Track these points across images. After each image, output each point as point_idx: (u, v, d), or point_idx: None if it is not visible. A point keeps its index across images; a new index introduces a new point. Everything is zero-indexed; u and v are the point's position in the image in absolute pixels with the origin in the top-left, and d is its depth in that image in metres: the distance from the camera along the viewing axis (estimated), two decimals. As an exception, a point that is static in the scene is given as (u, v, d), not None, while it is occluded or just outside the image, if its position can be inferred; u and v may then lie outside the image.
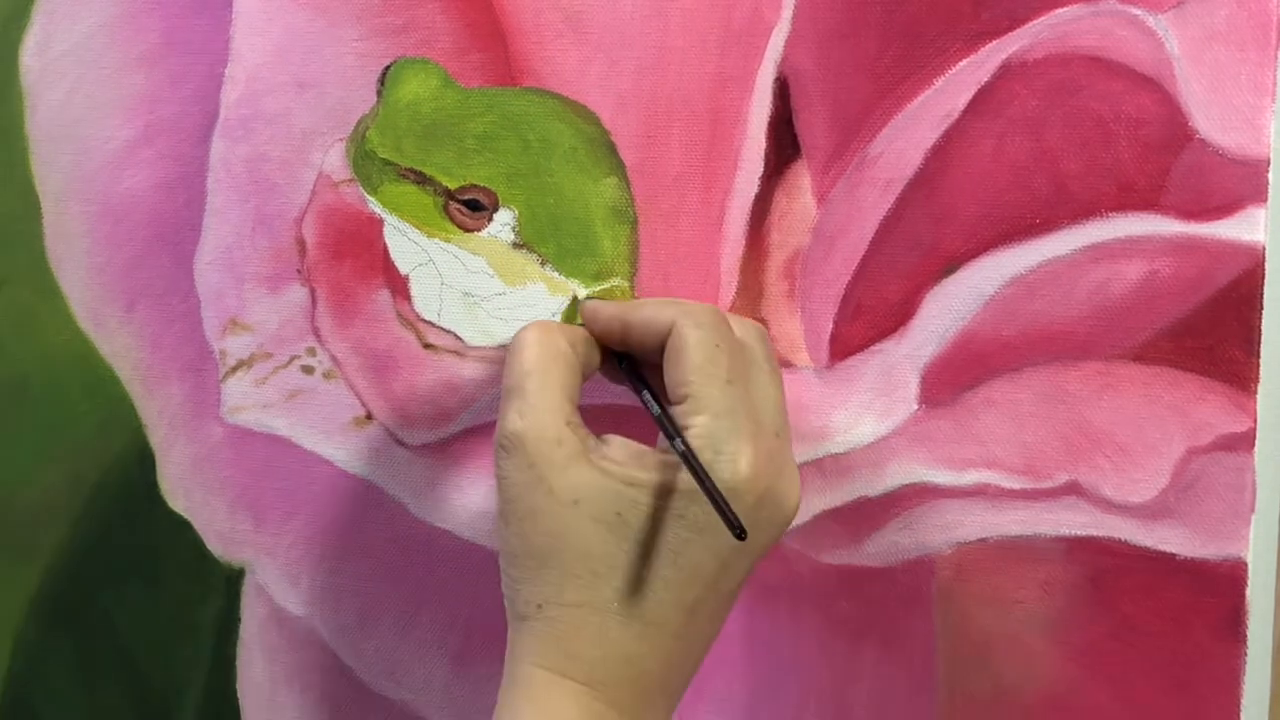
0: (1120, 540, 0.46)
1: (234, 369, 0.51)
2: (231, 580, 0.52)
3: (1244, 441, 0.45)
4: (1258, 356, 0.44)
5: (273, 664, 0.52)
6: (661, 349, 0.41)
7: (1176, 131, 0.44)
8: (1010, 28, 0.45)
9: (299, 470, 0.51)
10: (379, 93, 0.49)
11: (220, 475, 0.52)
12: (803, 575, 0.48)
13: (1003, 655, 0.47)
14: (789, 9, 0.47)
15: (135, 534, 0.53)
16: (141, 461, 0.52)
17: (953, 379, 0.47)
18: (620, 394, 0.44)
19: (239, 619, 0.52)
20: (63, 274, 0.53)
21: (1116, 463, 0.46)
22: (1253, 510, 0.45)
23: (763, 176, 0.47)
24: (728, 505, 0.38)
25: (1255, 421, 0.45)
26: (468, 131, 0.47)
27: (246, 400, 0.51)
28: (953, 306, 0.46)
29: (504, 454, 0.40)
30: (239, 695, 0.53)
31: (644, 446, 0.41)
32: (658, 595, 0.39)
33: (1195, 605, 0.45)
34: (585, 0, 0.48)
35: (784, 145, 0.47)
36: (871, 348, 0.47)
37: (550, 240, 0.47)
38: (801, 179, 0.47)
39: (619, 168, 0.48)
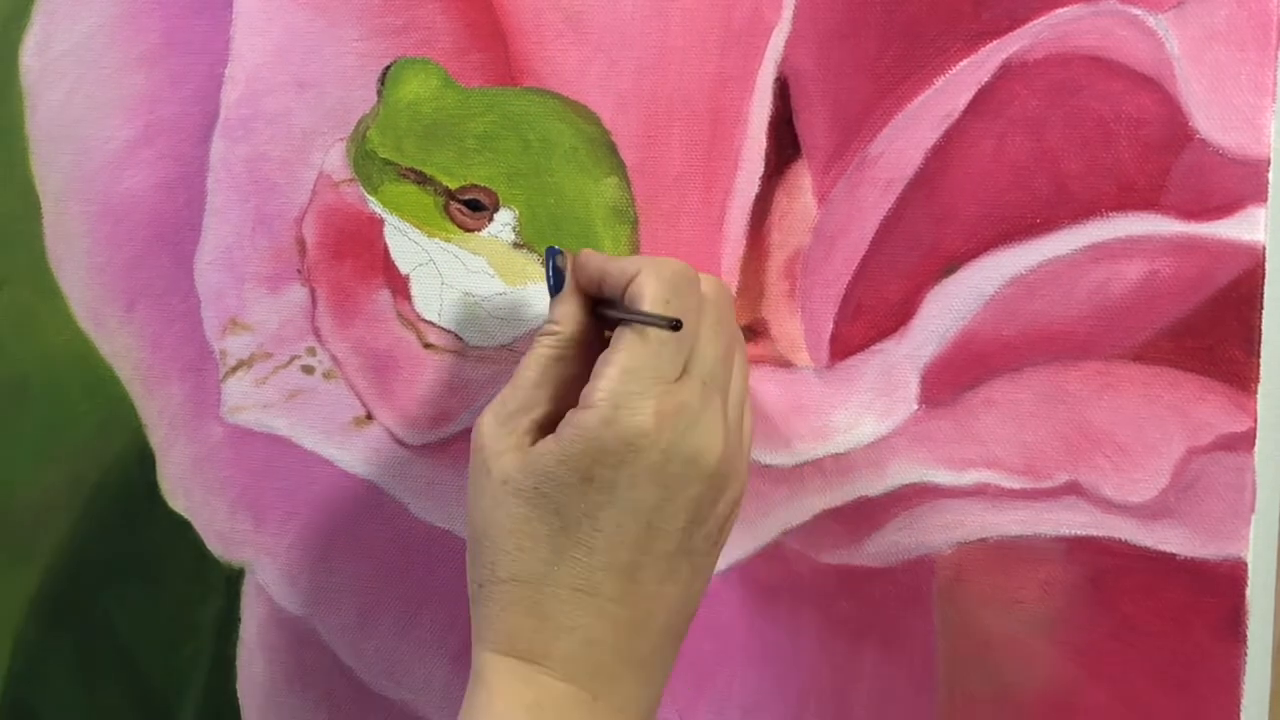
0: (1120, 540, 0.46)
1: (234, 369, 0.51)
2: (231, 580, 0.52)
3: (1244, 441, 0.45)
4: (1258, 356, 0.44)
5: (273, 664, 0.52)
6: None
7: (1177, 131, 0.44)
8: (1010, 28, 0.45)
9: (299, 470, 0.51)
10: (379, 93, 0.49)
11: (220, 475, 0.52)
12: (803, 575, 0.48)
13: (1003, 655, 0.47)
14: (789, 9, 0.47)
15: (135, 534, 0.53)
16: (141, 461, 0.52)
17: (953, 379, 0.47)
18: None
19: (239, 619, 0.52)
20: (63, 274, 0.53)
21: (1116, 463, 0.46)
22: (1253, 510, 0.45)
23: (763, 176, 0.47)
24: (652, 315, 0.39)
25: (1255, 421, 0.45)
26: (468, 131, 0.47)
27: (247, 400, 0.51)
28: (953, 306, 0.46)
29: (472, 446, 0.42)
30: (239, 695, 0.53)
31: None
32: (581, 561, 0.39)
33: (1195, 605, 0.45)
34: (585, 0, 0.48)
35: (784, 145, 0.47)
36: (872, 348, 0.47)
37: (551, 240, 0.47)
38: (802, 179, 0.47)
39: (619, 168, 0.48)
